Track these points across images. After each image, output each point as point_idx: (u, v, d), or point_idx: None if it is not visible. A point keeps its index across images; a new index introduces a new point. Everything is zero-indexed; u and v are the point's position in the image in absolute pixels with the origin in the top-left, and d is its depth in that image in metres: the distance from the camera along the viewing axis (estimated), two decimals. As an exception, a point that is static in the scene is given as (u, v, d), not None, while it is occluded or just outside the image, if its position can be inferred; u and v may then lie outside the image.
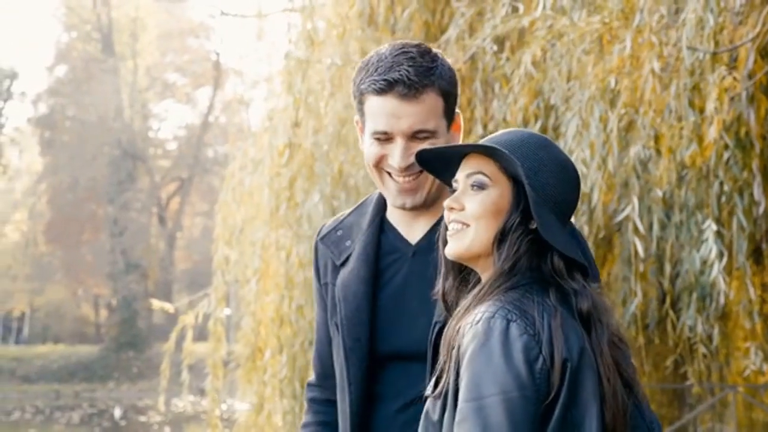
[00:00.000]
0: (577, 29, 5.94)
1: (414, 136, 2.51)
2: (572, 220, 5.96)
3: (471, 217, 2.26)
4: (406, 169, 2.53)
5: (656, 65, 5.45)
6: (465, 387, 2.08)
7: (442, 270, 2.41)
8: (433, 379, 2.23)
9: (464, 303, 2.24)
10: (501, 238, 2.24)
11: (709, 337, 6.75)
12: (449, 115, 2.59)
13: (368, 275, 2.64)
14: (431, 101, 2.50)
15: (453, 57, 6.74)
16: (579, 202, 5.78)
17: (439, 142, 2.53)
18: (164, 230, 49.73)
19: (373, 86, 2.50)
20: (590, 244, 6.20)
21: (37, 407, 35.42)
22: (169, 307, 9.75)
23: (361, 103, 2.58)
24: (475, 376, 2.07)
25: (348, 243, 2.74)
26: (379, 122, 2.52)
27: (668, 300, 6.86)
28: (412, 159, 2.48)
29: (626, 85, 5.68)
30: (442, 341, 2.24)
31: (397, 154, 2.51)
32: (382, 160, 2.56)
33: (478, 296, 2.22)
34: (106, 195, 47.44)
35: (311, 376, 2.97)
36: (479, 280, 2.34)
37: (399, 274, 2.64)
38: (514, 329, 2.08)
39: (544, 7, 5.96)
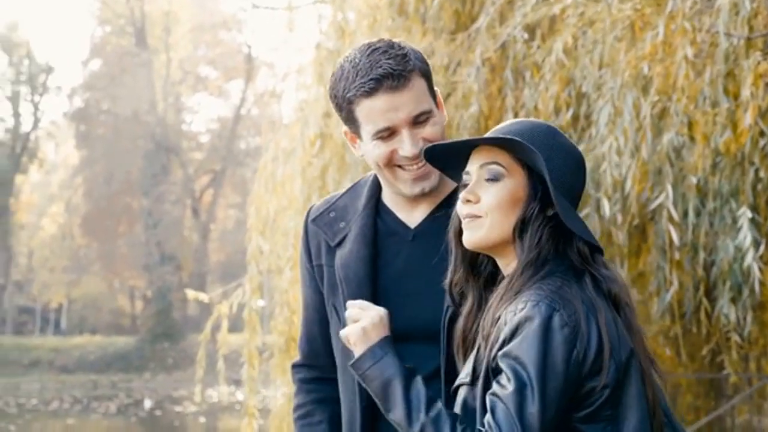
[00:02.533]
0: (609, 16, 5.91)
1: (415, 121, 2.56)
2: (606, 208, 5.90)
3: (487, 209, 2.28)
4: (418, 155, 2.56)
5: (689, 51, 5.40)
6: (509, 368, 2.11)
7: (452, 261, 2.44)
8: (470, 368, 2.25)
9: (498, 293, 2.26)
10: (522, 227, 2.26)
11: (743, 326, 6.69)
12: (432, 93, 2.65)
13: (368, 256, 2.70)
14: (418, 84, 2.57)
15: (483, 46, 6.72)
16: (612, 191, 5.74)
17: (436, 120, 2.60)
18: (198, 222, 49.95)
19: (362, 89, 2.54)
20: (624, 232, 6.18)
21: (75, 397, 35.70)
22: (204, 296, 9.76)
23: (350, 111, 2.61)
24: (520, 355, 2.10)
25: (342, 224, 2.79)
26: (379, 121, 2.56)
27: (702, 288, 6.80)
28: (422, 144, 2.55)
29: (659, 71, 5.63)
30: (481, 327, 2.26)
31: (407, 144, 2.55)
32: (392, 156, 2.59)
33: (511, 285, 2.23)
34: (140, 188, 47.71)
35: (296, 358, 2.99)
36: (494, 271, 2.38)
37: (399, 257, 2.69)
38: (557, 320, 2.11)
39: (575, -6, 5.95)
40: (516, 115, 6.66)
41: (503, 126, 2.37)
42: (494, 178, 2.29)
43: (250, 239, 8.58)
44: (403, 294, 2.64)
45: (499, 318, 2.18)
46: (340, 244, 2.75)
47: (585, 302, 2.15)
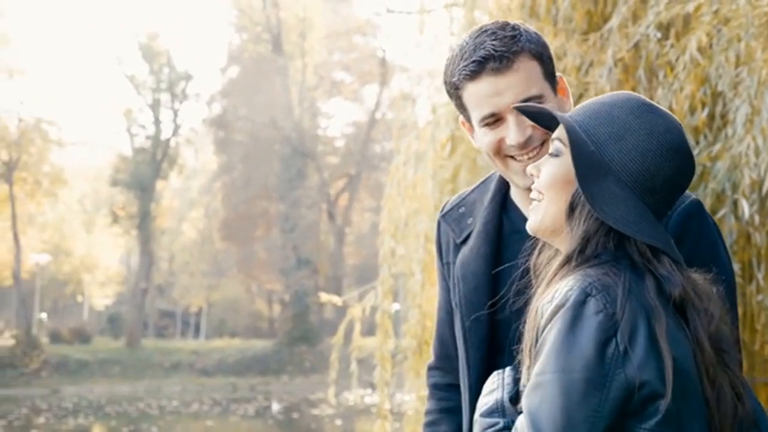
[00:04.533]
0: (747, 12, 5.77)
1: None
2: (745, 206, 5.69)
3: (543, 186, 2.10)
4: (526, 145, 2.36)
5: (830, 47, 5.26)
6: (537, 360, 1.91)
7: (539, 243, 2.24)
8: (525, 369, 2.04)
9: (541, 285, 2.07)
10: (571, 211, 2.05)
11: None
12: (550, 77, 2.42)
13: (488, 253, 2.50)
14: (526, 66, 2.34)
15: (616, 46, 6.63)
16: (750, 191, 5.58)
17: (551, 106, 2.35)
18: (333, 226, 50.42)
19: (464, 72, 2.35)
20: (763, 234, 6.01)
21: (215, 399, 36.45)
22: (337, 300, 9.85)
23: (459, 98, 2.42)
24: (545, 351, 1.89)
25: (470, 220, 2.60)
26: (484, 106, 2.37)
27: None
28: (530, 132, 2.35)
29: (798, 69, 5.49)
30: (527, 325, 2.04)
31: (512, 131, 2.35)
32: (500, 145, 2.39)
33: (552, 278, 2.03)
34: (277, 192, 48.42)
35: (431, 359, 2.85)
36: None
37: (522, 256, 2.37)
38: (591, 305, 1.87)
39: (709, -9, 5.83)
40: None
41: (598, 97, 2.15)
42: (555, 154, 2.09)
43: (383, 242, 8.62)
44: (521, 296, 2.33)
45: (538, 309, 1.98)
46: (465, 240, 2.58)
47: (642, 303, 1.89)
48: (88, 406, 33.66)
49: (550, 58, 2.43)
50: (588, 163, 2.00)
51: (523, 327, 2.09)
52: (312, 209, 48.77)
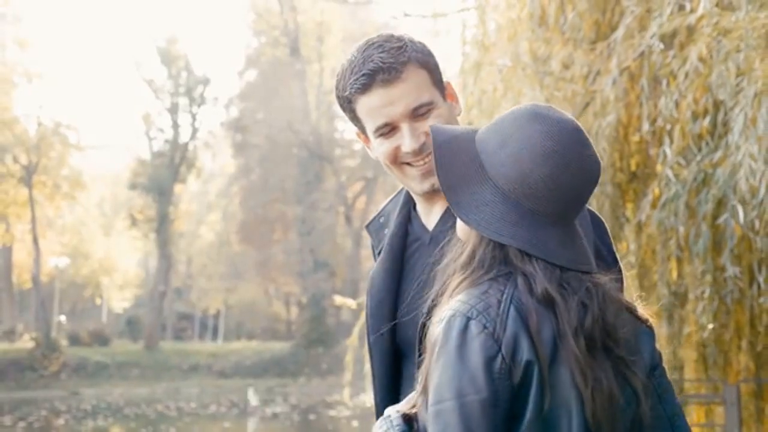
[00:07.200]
0: (747, 24, 5.90)
1: (415, 114, 2.42)
2: (740, 214, 5.76)
3: None
4: (420, 151, 2.43)
5: (826, 58, 5.39)
6: (430, 390, 1.97)
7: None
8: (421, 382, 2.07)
9: (442, 299, 2.08)
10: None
11: None
12: (439, 84, 2.48)
13: (393, 267, 2.55)
14: (415, 75, 2.41)
15: (622, 55, 6.79)
16: (750, 197, 5.69)
17: (441, 112, 2.45)
18: (350, 229, 50.45)
19: (355, 86, 2.42)
20: (763, 239, 6.14)
21: (232, 401, 36.53)
22: (351, 302, 10.00)
23: (352, 111, 2.50)
24: (436, 379, 1.95)
25: (386, 231, 2.66)
26: (377, 117, 2.44)
27: None
28: (423, 138, 2.41)
29: (796, 79, 5.61)
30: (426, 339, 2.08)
31: (407, 138, 2.42)
32: (396, 153, 2.47)
33: (443, 292, 2.08)
34: (294, 195, 48.47)
35: None
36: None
37: (419, 264, 2.50)
38: (473, 327, 1.93)
39: (705, 6, 5.95)
40: (653, 122, 6.71)
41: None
42: None
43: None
44: (419, 304, 2.37)
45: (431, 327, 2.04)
46: (381, 252, 2.63)
47: (522, 310, 1.94)
48: (106, 408, 33.85)
49: (436, 65, 2.49)
50: (459, 173, 2.07)
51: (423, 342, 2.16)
52: (329, 212, 48.81)
